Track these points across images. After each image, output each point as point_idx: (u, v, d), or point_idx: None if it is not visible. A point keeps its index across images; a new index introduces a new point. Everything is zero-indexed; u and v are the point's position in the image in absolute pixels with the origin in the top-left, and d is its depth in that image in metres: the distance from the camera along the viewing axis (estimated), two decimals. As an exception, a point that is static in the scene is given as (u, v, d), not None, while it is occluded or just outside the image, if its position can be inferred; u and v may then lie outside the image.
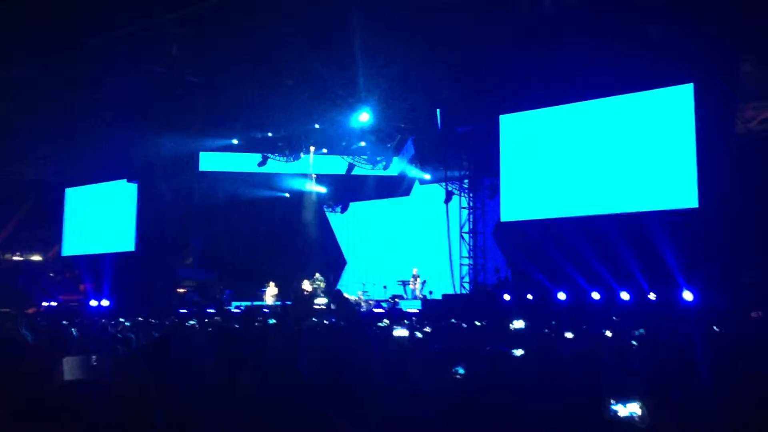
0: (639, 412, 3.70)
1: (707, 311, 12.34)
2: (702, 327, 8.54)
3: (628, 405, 3.74)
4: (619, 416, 3.71)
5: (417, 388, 3.74)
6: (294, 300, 16.06)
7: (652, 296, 14.30)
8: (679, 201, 14.61)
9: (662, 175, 14.92)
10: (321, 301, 18.13)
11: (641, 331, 8.62)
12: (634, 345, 7.23)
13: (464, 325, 10.41)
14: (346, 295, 9.51)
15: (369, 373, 3.75)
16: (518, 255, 17.40)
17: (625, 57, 14.62)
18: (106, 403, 4.06)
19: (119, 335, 8.46)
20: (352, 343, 4.87)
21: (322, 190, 23.86)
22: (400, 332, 7.38)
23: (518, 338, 8.11)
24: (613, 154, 15.73)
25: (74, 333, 9.34)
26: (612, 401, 3.77)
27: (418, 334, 8.09)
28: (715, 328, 8.50)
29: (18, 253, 25.46)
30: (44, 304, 20.41)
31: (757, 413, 3.85)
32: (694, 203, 14.35)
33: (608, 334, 8.36)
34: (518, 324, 9.38)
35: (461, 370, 4.98)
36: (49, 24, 14.77)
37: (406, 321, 12.20)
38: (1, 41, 15.60)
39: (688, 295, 13.72)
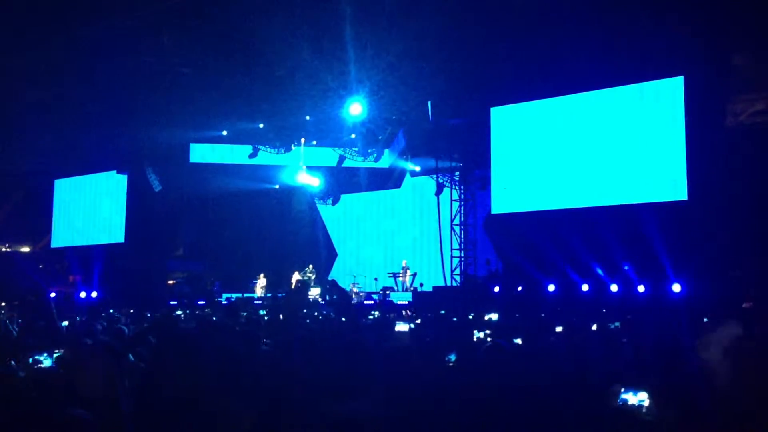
0: (647, 402, 3.72)
1: (696, 303, 12.44)
2: (691, 318, 8.62)
3: (638, 394, 3.77)
4: (628, 405, 3.74)
5: (413, 378, 3.77)
6: (288, 291, 16.07)
7: (641, 288, 14.43)
8: (668, 193, 14.72)
9: (652, 167, 15.02)
10: (314, 291, 18.16)
11: (617, 324, 8.67)
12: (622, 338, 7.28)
13: (454, 319, 10.43)
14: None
15: (366, 363, 3.78)
16: (509, 247, 17.47)
17: (615, 50, 14.67)
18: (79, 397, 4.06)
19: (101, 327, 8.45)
20: (347, 333, 4.89)
21: (314, 182, 23.76)
22: (402, 327, 7.43)
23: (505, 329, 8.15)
24: (603, 146, 15.81)
25: (63, 325, 9.32)
26: (622, 389, 3.79)
27: (411, 325, 8.12)
28: (705, 319, 8.57)
29: (7, 245, 25.33)
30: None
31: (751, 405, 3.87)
32: (683, 196, 14.47)
33: (594, 327, 8.40)
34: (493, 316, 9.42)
35: (453, 357, 5.03)
36: (37, 13, 14.66)
37: (392, 313, 12.25)
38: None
39: (676, 287, 13.84)
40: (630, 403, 3.76)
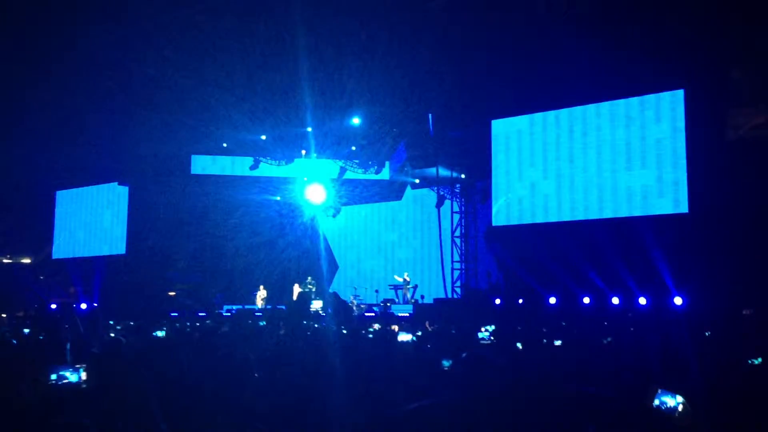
0: (681, 407, 3.73)
1: (697, 315, 12.41)
2: (693, 331, 8.60)
3: (676, 397, 3.77)
4: (667, 405, 3.74)
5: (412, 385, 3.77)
6: (289, 303, 16.04)
7: (642, 301, 14.40)
8: (669, 206, 14.72)
9: (653, 180, 15.03)
10: (316, 304, 18.10)
11: (608, 339, 8.64)
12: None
13: (453, 332, 10.41)
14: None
15: (366, 372, 3.78)
16: (509, 259, 17.46)
17: (615, 63, 14.70)
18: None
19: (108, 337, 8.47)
20: (348, 345, 4.89)
21: (316, 193, 23.66)
22: (404, 337, 7.44)
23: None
24: (604, 159, 15.83)
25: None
26: (660, 391, 3.79)
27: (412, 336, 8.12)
28: (706, 333, 8.56)
29: (8, 256, 25.31)
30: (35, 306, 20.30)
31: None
32: (684, 209, 14.47)
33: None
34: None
35: (447, 363, 5.04)
36: (38, 25, 14.71)
37: (398, 324, 12.20)
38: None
39: (678, 300, 13.81)
40: (668, 404, 3.76)
